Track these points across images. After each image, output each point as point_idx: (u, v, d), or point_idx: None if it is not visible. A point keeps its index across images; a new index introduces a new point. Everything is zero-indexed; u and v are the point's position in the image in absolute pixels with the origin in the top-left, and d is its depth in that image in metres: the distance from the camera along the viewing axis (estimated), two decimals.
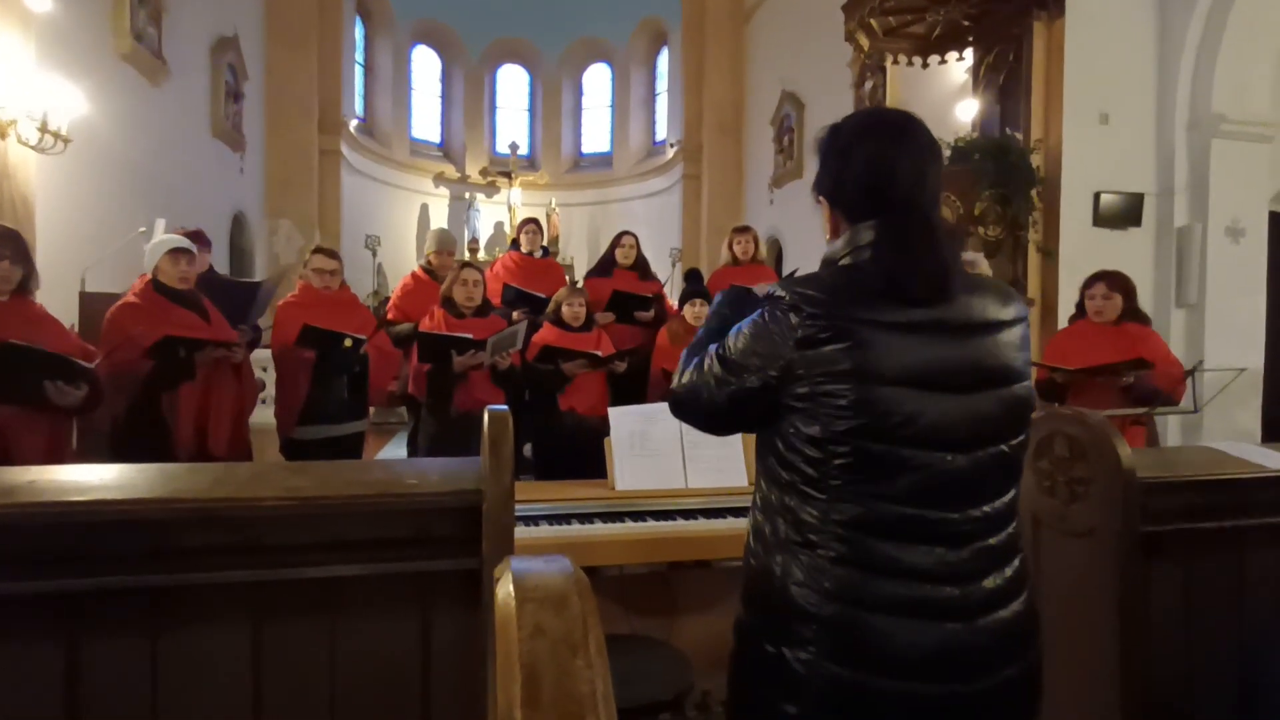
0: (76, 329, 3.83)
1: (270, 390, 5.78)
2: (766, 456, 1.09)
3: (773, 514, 1.06)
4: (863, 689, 0.96)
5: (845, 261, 1.05)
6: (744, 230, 4.39)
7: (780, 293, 1.02)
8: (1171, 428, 4.30)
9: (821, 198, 1.13)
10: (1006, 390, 1.02)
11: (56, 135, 4.53)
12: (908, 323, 0.98)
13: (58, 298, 4.14)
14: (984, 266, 3.22)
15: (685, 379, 1.15)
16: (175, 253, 2.79)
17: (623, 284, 4.14)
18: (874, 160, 1.05)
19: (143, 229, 5.18)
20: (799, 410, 1.00)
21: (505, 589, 0.53)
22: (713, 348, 1.12)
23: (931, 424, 0.97)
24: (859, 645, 0.97)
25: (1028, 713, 1.06)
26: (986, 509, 1.01)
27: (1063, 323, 3.53)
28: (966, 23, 4.96)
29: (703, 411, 1.12)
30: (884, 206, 1.04)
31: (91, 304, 4.11)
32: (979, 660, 0.99)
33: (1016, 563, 1.05)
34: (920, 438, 0.97)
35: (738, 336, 1.06)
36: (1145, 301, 4.14)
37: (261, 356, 5.48)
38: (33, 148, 4.47)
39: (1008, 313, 1.05)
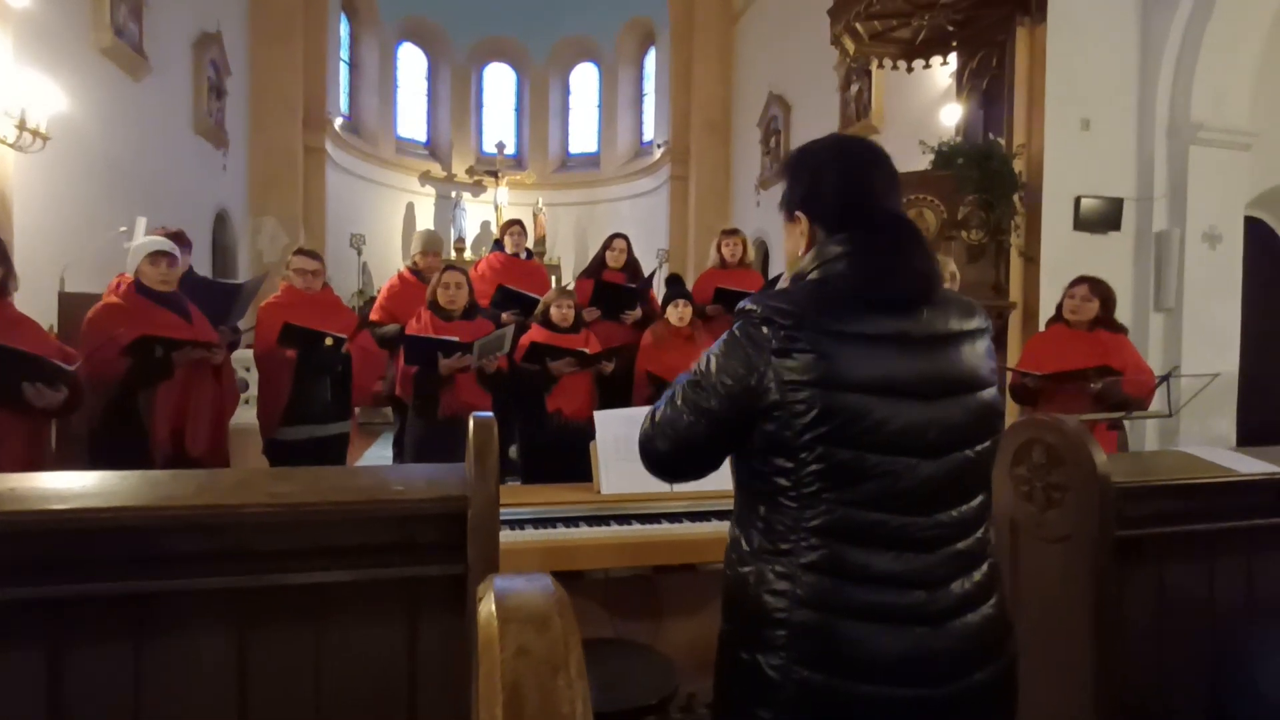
0: (55, 330, 3.78)
1: (253, 391, 5.74)
2: (741, 468, 1.11)
3: (747, 524, 1.09)
4: (834, 693, 0.98)
5: (814, 276, 1.08)
6: (733, 233, 4.41)
7: (751, 307, 1.05)
8: (1149, 432, 4.36)
9: (799, 213, 1.14)
10: (972, 397, 1.06)
11: (35, 132, 4.47)
12: (875, 334, 1.02)
13: (36, 298, 4.07)
14: (952, 267, 3.26)
15: (656, 419, 1.12)
16: (155, 255, 2.77)
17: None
18: (850, 173, 1.11)
19: (123, 228, 5.11)
20: (772, 418, 1.01)
21: (488, 609, 0.54)
22: (679, 380, 1.12)
23: (898, 430, 1.00)
24: (830, 650, 0.99)
25: (1002, 717, 1.07)
26: (954, 514, 1.04)
27: (1043, 326, 3.58)
28: (951, 28, 5.00)
29: (682, 444, 1.09)
30: (861, 218, 1.08)
31: (71, 304, 4.05)
32: (948, 664, 1.01)
33: (985, 567, 1.07)
34: (886, 444, 0.99)
35: (708, 359, 1.08)
36: (1125, 305, 4.21)
37: (243, 357, 5.45)
38: (10, 145, 4.40)
39: (971, 324, 1.09)
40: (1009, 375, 3.34)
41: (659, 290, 4.80)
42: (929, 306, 1.05)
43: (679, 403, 1.09)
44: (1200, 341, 4.50)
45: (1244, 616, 1.57)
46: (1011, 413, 3.58)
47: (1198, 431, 4.32)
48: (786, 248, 1.20)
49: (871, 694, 0.98)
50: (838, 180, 1.10)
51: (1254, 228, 5.11)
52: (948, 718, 1.01)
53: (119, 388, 2.65)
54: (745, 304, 1.06)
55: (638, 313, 4.10)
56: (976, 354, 1.08)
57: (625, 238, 4.45)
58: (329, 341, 3.15)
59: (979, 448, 1.06)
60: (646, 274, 4.60)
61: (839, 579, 1.00)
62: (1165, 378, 2.82)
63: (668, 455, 1.12)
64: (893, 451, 1.00)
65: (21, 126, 4.39)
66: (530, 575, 0.60)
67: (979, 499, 1.07)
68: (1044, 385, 3.02)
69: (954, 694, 1.00)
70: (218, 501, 1.17)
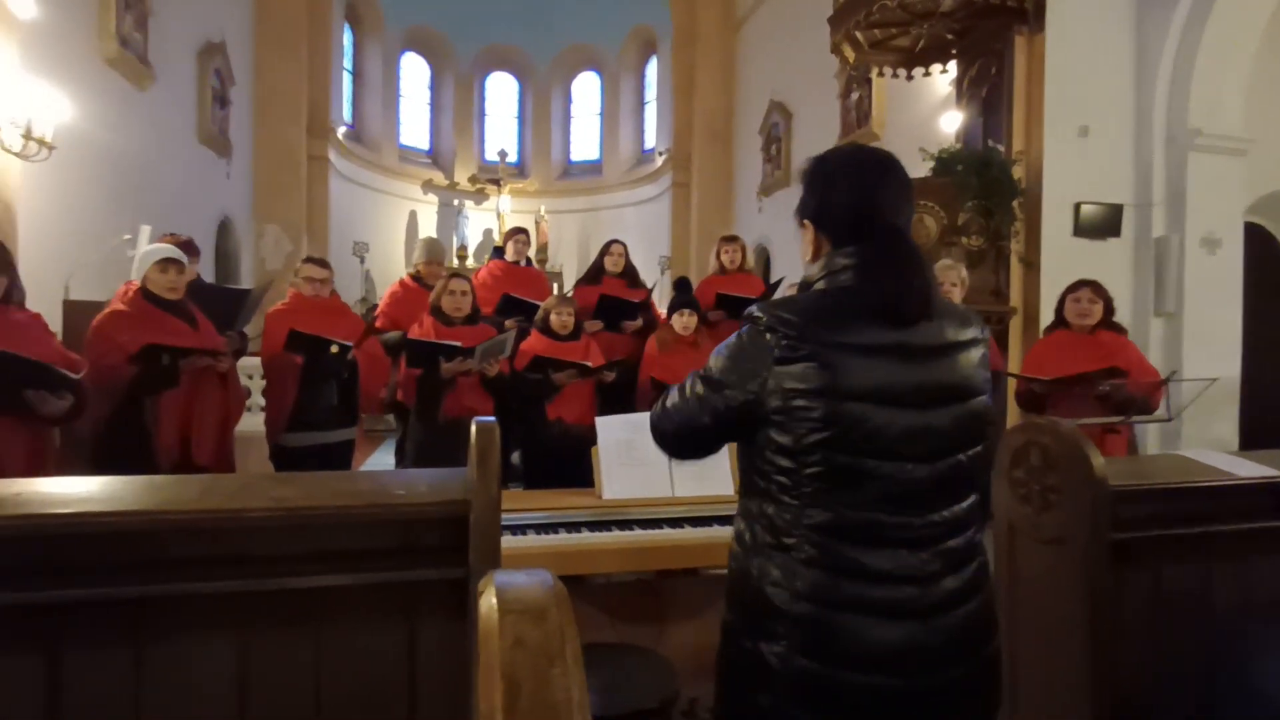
0: (60, 337, 3.79)
1: (256, 398, 5.77)
2: (746, 466, 1.17)
3: (752, 520, 1.14)
4: (829, 681, 1.04)
5: (820, 286, 1.14)
6: (732, 239, 4.44)
7: (758, 314, 1.11)
8: (1150, 437, 4.36)
9: (806, 221, 1.20)
10: (963, 406, 1.11)
11: (41, 141, 4.51)
12: (874, 345, 1.07)
13: (41, 306, 4.06)
14: (962, 272, 3.26)
15: (667, 403, 1.23)
16: (164, 262, 2.79)
17: (610, 291, 4.16)
18: (860, 188, 1.14)
19: (127, 235, 5.15)
20: (774, 423, 1.08)
21: (488, 601, 0.56)
22: (692, 374, 1.20)
23: (894, 437, 1.05)
24: (826, 641, 1.04)
25: (985, 710, 1.12)
26: (946, 514, 1.09)
27: (1043, 333, 3.58)
28: (950, 36, 5.04)
29: (686, 430, 1.19)
30: (867, 232, 1.12)
31: (75, 312, 4.07)
32: (937, 657, 1.06)
33: (975, 565, 1.12)
34: (884, 450, 1.05)
35: (717, 358, 1.15)
36: (1124, 311, 4.21)
37: (248, 364, 5.47)
38: (16, 154, 4.44)
39: (967, 334, 1.14)
40: (1014, 383, 3.33)
41: (664, 295, 4.82)
42: (928, 318, 1.10)
43: (687, 393, 1.18)
44: (1201, 346, 4.50)
45: (1240, 619, 1.57)
46: (1015, 417, 3.58)
47: (1199, 436, 4.32)
48: (801, 250, 1.24)
49: (864, 683, 1.03)
50: (846, 195, 1.14)
51: (1253, 233, 5.11)
52: (935, 708, 1.06)
53: (125, 395, 2.66)
54: (753, 310, 1.12)
55: (638, 323, 4.12)
56: (971, 363, 1.13)
57: (622, 243, 4.47)
58: (335, 348, 3.17)
59: (970, 452, 1.12)
60: (645, 279, 4.62)
61: (836, 575, 1.05)
62: (1165, 381, 2.82)
63: (674, 437, 1.22)
64: (889, 457, 1.05)
65: (28, 136, 4.42)
66: (530, 570, 0.61)
67: (970, 500, 1.13)
68: (1051, 390, 3.02)
69: (941, 686, 1.05)
70: (219, 506, 1.18)
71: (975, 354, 1.14)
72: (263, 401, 5.66)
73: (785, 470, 1.07)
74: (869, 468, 1.04)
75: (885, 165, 1.16)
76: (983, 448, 1.14)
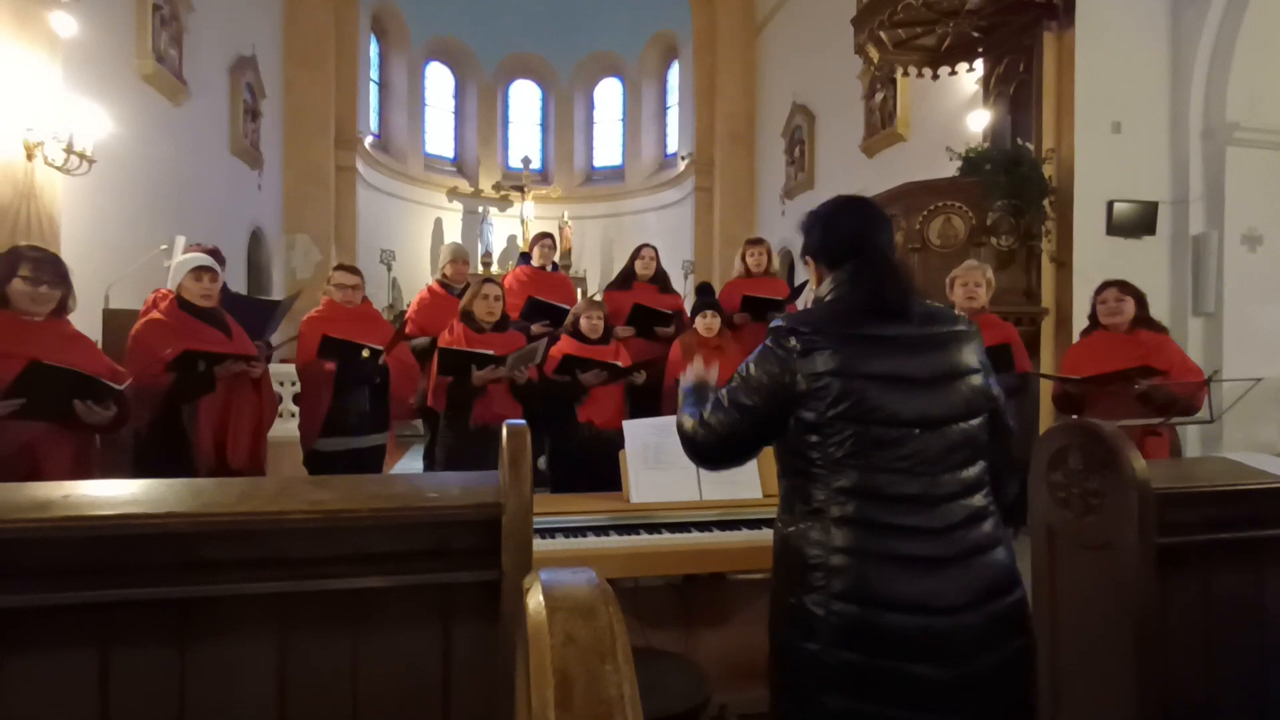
0: (100, 345, 3.90)
1: (287, 404, 5.87)
2: (783, 452, 1.36)
3: (791, 497, 1.34)
4: (867, 622, 1.19)
5: (829, 298, 1.39)
6: (757, 242, 4.41)
7: (780, 323, 1.34)
8: (1191, 439, 4.25)
9: (809, 258, 1.49)
10: (961, 382, 1.31)
11: (82, 156, 4.64)
12: (877, 336, 1.30)
13: (82, 315, 4.20)
14: (989, 274, 3.21)
15: (704, 416, 1.37)
16: (198, 270, 2.86)
17: (642, 297, 4.16)
18: (844, 231, 1.42)
19: (164, 246, 5.27)
20: (802, 403, 1.28)
21: (536, 599, 0.56)
22: (722, 389, 1.38)
23: (899, 409, 1.25)
24: (861, 586, 1.20)
25: (1023, 661, 1.24)
26: (958, 475, 1.26)
27: (1077, 333, 3.51)
28: (976, 34, 4.98)
29: (728, 436, 1.35)
30: (856, 255, 1.37)
31: (115, 320, 4.18)
32: (961, 601, 1.20)
33: (990, 521, 1.27)
34: (893, 419, 1.24)
35: (747, 366, 1.36)
36: (1162, 310, 4.12)
37: (279, 371, 5.57)
38: (58, 169, 4.57)
39: (956, 327, 1.36)
40: (1052, 385, 3.26)
41: (689, 300, 4.81)
42: (919, 315, 1.33)
43: (725, 404, 1.35)
44: (1243, 346, 4.39)
45: None
46: (1050, 420, 3.51)
47: (1242, 438, 4.21)
48: (810, 278, 1.53)
49: (899, 623, 1.18)
50: (835, 236, 1.42)
51: None
52: (970, 649, 1.18)
53: (164, 401, 2.72)
54: (776, 322, 1.35)
55: (671, 329, 4.12)
56: (961, 349, 1.33)
57: (653, 247, 4.47)
58: (366, 353, 3.22)
59: (973, 422, 1.30)
60: (674, 284, 4.61)
61: (864, 530, 1.22)
62: (1206, 382, 2.75)
63: (715, 446, 1.38)
64: (896, 424, 1.24)
65: (69, 150, 4.56)
66: (574, 569, 0.61)
67: (979, 465, 1.30)
68: (1087, 390, 2.95)
69: (971, 626, 1.19)
70: (259, 509, 1.20)
71: (965, 341, 1.34)
72: (294, 408, 5.78)
73: (814, 445, 1.26)
74: (878, 434, 1.23)
75: (861, 208, 1.44)
76: (984, 418, 1.31)
